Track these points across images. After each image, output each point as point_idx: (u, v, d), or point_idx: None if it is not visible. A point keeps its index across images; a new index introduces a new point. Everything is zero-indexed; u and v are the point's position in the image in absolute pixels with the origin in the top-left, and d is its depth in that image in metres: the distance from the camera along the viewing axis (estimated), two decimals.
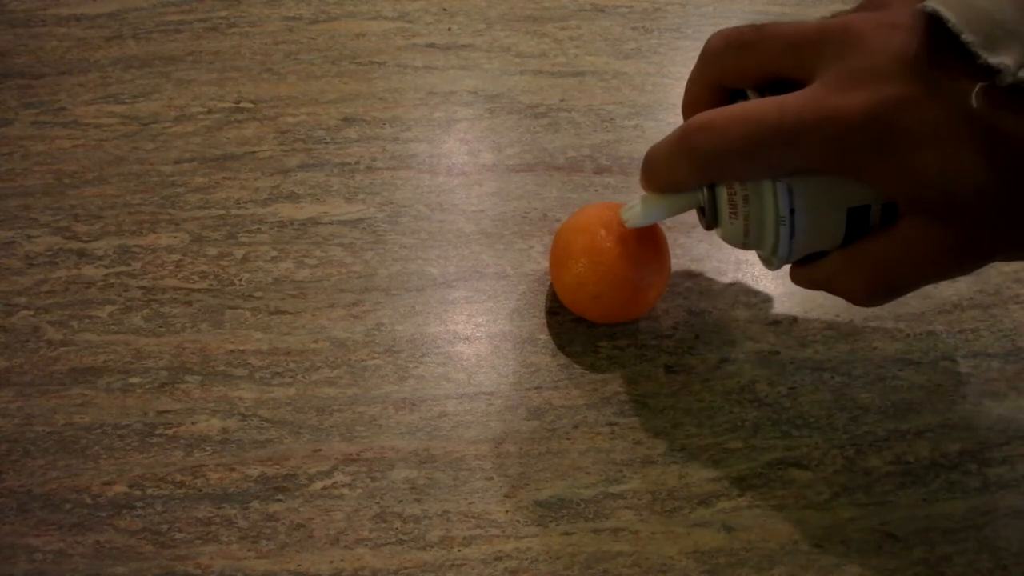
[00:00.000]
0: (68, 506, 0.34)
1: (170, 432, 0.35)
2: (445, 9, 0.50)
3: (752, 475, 0.35)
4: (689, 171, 0.28)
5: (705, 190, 0.30)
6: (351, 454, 0.35)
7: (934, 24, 0.24)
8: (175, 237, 0.41)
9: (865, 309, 0.39)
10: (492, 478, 0.35)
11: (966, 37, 0.23)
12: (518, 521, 0.34)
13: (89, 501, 0.34)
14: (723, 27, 0.29)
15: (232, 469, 0.35)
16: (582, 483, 0.35)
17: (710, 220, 0.30)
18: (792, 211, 0.27)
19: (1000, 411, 0.37)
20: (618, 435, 0.36)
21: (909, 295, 0.30)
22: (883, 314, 0.40)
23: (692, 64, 0.30)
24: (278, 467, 0.35)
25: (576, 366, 0.38)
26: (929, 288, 0.40)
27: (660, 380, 0.37)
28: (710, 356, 0.38)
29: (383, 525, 0.33)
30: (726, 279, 0.41)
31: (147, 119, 0.45)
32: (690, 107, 0.31)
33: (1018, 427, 0.37)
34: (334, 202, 0.42)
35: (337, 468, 0.35)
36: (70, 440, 0.35)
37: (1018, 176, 0.24)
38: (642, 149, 0.43)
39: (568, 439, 0.36)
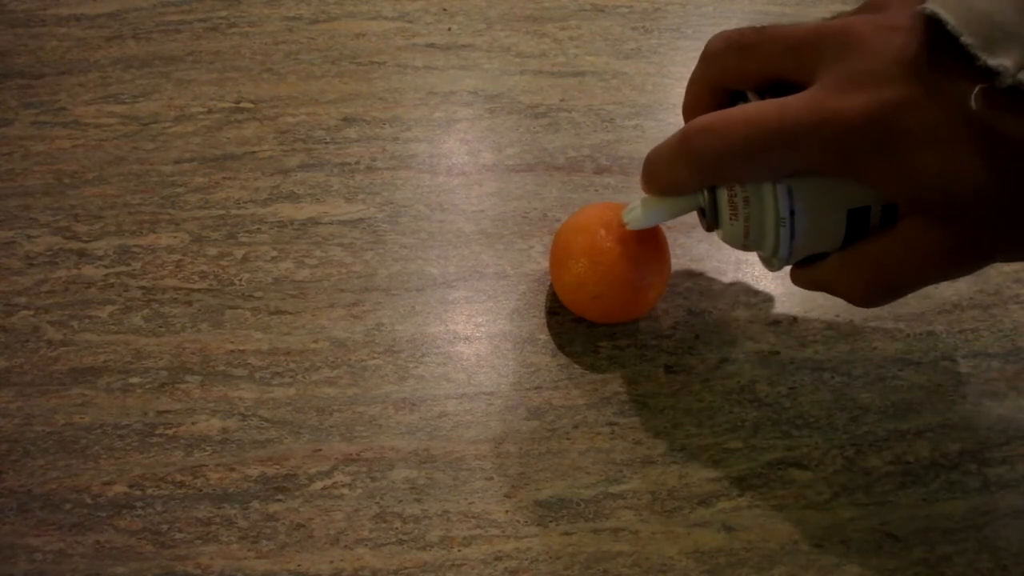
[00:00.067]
0: (68, 506, 0.34)
1: (170, 432, 0.35)
2: (445, 9, 0.50)
3: (752, 475, 0.35)
4: (689, 174, 0.29)
5: (705, 192, 0.30)
6: (351, 454, 0.35)
7: (933, 26, 0.24)
8: (175, 237, 0.41)
9: (865, 309, 0.39)
10: (492, 478, 0.35)
11: (965, 39, 0.23)
12: (518, 521, 0.34)
13: (89, 501, 0.34)
14: (723, 28, 0.29)
15: (232, 469, 0.35)
16: (582, 483, 0.35)
17: (710, 222, 0.30)
18: (792, 213, 0.27)
19: (1000, 411, 0.37)
20: (618, 435, 0.36)
21: (909, 295, 0.30)
22: (883, 314, 0.40)
23: (692, 64, 0.30)
24: (278, 467, 0.35)
25: (576, 366, 0.38)
26: (929, 288, 0.40)
27: (660, 380, 0.37)
28: (710, 356, 0.38)
29: (383, 525, 0.34)
30: (726, 279, 0.41)
31: (147, 119, 0.45)
32: (690, 108, 0.31)
33: (1018, 427, 0.37)
34: (334, 202, 0.42)
35: (337, 468, 0.35)
36: (70, 440, 0.35)
37: (1018, 177, 0.24)
38: (642, 149, 0.43)
39: (568, 439, 0.36)
